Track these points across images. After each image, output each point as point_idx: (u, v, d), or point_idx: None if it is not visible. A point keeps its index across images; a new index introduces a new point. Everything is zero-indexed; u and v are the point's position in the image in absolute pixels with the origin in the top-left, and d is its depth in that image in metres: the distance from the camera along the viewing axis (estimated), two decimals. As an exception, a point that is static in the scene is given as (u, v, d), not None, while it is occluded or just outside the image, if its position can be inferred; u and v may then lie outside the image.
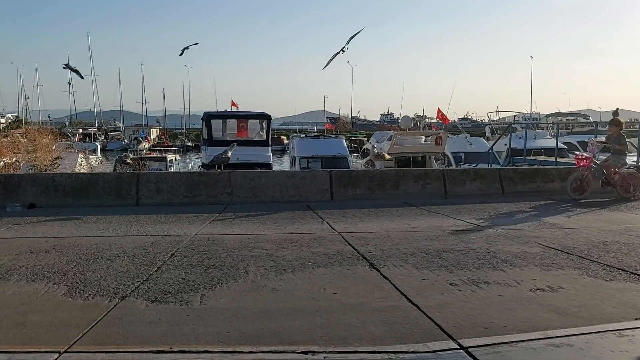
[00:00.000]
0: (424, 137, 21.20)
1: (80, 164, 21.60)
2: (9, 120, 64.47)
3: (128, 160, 18.70)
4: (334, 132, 51.98)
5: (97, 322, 3.20)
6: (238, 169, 10.92)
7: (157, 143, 57.80)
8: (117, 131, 74.21)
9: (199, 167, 19.89)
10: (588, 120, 38.94)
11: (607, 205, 8.43)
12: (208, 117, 17.39)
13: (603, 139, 10.26)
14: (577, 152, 9.80)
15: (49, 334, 3.04)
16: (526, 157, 19.17)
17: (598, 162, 9.38)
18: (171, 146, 48.92)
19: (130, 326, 3.14)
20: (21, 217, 7.34)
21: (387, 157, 15.73)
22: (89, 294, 3.76)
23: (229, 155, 10.80)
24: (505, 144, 21.10)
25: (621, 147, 9.21)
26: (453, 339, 2.91)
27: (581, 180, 9.12)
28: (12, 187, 8.64)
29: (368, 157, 23.75)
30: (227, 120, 18.73)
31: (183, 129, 79.73)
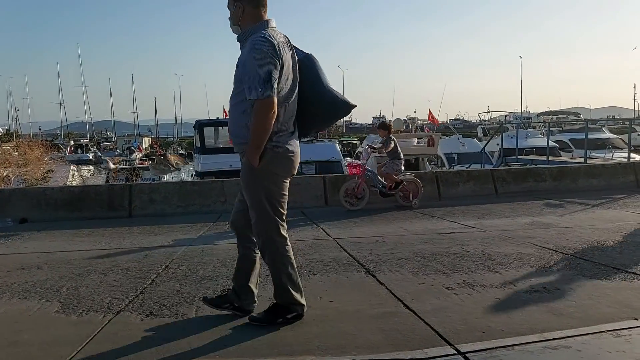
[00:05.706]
0: (416, 139, 21.26)
1: (72, 177, 21.50)
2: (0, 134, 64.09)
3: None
4: (326, 136, 51.99)
5: (91, 339, 3.15)
6: (231, 176, 10.90)
7: (150, 152, 57.59)
8: (109, 141, 73.96)
9: (192, 175, 19.83)
10: (579, 118, 39.17)
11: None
12: (200, 125, 17.37)
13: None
14: (349, 160, 9.32)
15: (41, 352, 3.00)
16: (518, 157, 19.28)
17: (371, 169, 8.98)
18: (164, 155, 48.67)
19: (125, 342, 3.10)
20: (12, 233, 7.27)
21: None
22: (83, 310, 3.72)
23: None
24: (497, 144, 21.23)
25: (394, 152, 8.68)
26: (450, 345, 2.90)
27: (355, 189, 8.51)
28: (2, 202, 8.54)
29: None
30: (220, 128, 18.72)
31: (175, 138, 79.48)
